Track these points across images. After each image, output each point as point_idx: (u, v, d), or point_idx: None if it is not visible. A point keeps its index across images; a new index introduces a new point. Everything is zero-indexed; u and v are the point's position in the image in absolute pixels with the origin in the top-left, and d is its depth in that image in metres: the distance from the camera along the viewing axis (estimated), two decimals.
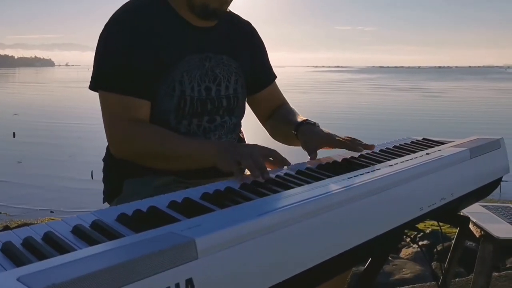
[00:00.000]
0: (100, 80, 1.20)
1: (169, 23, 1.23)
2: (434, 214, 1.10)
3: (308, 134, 1.23)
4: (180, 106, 1.21)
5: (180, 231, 0.62)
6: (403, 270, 2.60)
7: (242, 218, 0.67)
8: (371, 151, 1.21)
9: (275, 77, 1.47)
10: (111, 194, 1.28)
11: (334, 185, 0.86)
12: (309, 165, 1.08)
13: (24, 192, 5.63)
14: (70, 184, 6.05)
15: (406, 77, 59.38)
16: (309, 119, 1.30)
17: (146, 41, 1.18)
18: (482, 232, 1.60)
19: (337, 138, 1.20)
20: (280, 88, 1.50)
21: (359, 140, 1.20)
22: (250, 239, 0.65)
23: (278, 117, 1.41)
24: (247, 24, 1.42)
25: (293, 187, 0.89)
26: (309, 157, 1.15)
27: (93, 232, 0.67)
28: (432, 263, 2.54)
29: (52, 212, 4.83)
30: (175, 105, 1.21)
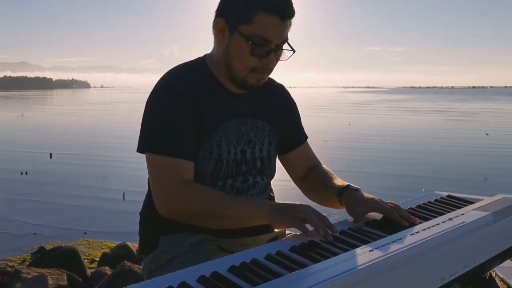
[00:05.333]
0: (148, 143, 1.25)
1: (211, 90, 1.31)
2: (456, 281, 1.12)
3: (353, 200, 1.27)
4: (217, 168, 1.28)
5: None
6: None
7: None
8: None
9: (307, 137, 1.53)
10: (147, 248, 1.35)
11: (356, 259, 0.90)
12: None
13: (58, 213, 5.80)
14: (103, 205, 6.22)
15: (435, 97, 58.10)
16: (351, 184, 1.34)
17: (190, 107, 1.25)
18: None
19: (381, 204, 1.23)
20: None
21: (402, 209, 1.21)
22: None
23: (316, 179, 1.45)
24: (280, 88, 1.49)
25: (319, 259, 0.94)
26: (356, 224, 1.18)
27: None
28: None
29: (85, 233, 4.98)
30: (212, 167, 1.28)
